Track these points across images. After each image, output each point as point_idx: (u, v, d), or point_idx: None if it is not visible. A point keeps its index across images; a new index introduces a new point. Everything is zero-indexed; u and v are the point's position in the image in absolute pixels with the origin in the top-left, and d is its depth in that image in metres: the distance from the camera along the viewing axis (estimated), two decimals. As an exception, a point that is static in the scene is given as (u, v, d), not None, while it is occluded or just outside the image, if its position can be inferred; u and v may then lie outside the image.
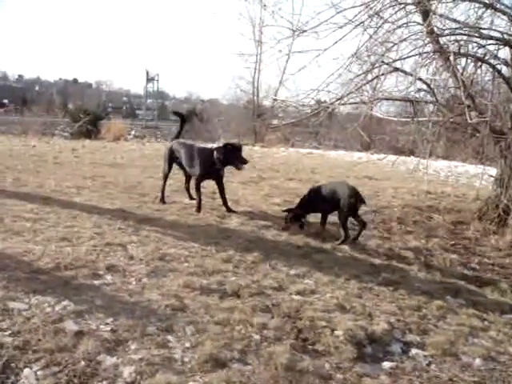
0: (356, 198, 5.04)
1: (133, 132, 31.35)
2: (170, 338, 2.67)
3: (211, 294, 3.28)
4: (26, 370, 2.20)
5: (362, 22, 5.42)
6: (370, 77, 5.93)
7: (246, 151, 14.34)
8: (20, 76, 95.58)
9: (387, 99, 6.66)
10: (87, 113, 33.72)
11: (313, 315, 3.12)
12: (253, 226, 5.11)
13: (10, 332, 2.50)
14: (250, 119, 31.24)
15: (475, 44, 5.86)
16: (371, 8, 5.43)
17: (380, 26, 5.52)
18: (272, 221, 5.37)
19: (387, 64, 5.80)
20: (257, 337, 2.79)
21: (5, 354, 2.30)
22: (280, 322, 3.01)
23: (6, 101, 61.56)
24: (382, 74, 5.90)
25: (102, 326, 2.69)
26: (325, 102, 6.88)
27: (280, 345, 2.73)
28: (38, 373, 2.20)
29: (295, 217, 5.13)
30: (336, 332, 2.96)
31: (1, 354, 2.29)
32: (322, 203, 5.14)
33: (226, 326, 2.87)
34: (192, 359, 2.49)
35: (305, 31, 5.95)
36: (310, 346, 2.80)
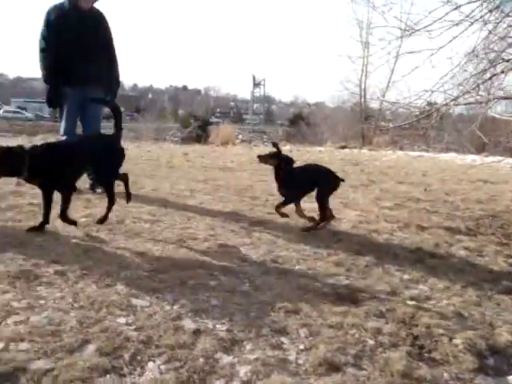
0: (335, 176, 4.94)
1: (240, 136, 31.98)
2: (284, 339, 2.69)
3: (324, 298, 3.27)
4: (150, 364, 2.31)
5: (482, 17, 5.20)
6: (487, 75, 5.68)
7: (354, 154, 14.19)
8: (134, 85, 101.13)
9: (506, 98, 6.34)
10: (196, 118, 34.87)
11: (429, 322, 3.02)
12: (364, 229, 5.04)
13: (134, 327, 2.64)
14: (357, 122, 30.95)
15: None
16: (490, 2, 5.20)
17: (500, 21, 5.27)
18: (383, 224, 5.27)
19: (507, 61, 5.52)
20: (371, 342, 2.75)
21: (131, 347, 2.42)
22: (395, 327, 2.94)
23: (122, 109, 65.22)
24: (502, 72, 5.62)
25: (218, 326, 2.76)
26: (435, 103, 6.67)
27: (395, 351, 2.66)
28: (161, 367, 2.29)
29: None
30: (454, 341, 2.84)
31: (127, 346, 2.42)
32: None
33: (339, 329, 2.85)
34: (306, 362, 2.50)
35: (417, 30, 5.80)
36: (426, 354, 2.71)
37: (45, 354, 2.29)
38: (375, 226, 5.20)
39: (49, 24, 5.85)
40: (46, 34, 5.86)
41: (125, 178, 4.73)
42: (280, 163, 4.90)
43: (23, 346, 2.36)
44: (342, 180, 4.97)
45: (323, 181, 4.91)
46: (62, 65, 5.86)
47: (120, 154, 4.59)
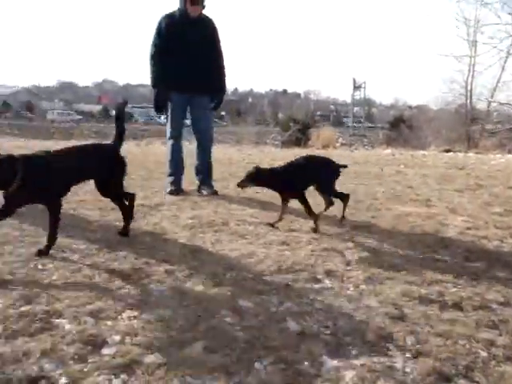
0: (336, 164, 4.86)
1: (340, 139, 31.76)
2: (390, 346, 2.63)
3: (431, 305, 3.16)
4: (257, 364, 2.34)
5: None
6: None
7: (459, 158, 13.66)
8: (235, 89, 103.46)
9: None
10: (296, 121, 35.01)
11: (548, 336, 2.84)
12: (472, 235, 4.83)
13: (240, 327, 2.69)
14: (462, 124, 29.79)
15: None
16: None
17: None
18: (493, 231, 5.02)
19: None
20: (483, 354, 2.61)
21: (236, 347, 2.48)
22: (509, 339, 2.78)
23: (223, 113, 66.79)
24: None
25: (322, 329, 2.75)
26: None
27: (511, 365, 2.53)
28: (267, 367, 2.32)
29: None
30: None
31: (233, 346, 2.48)
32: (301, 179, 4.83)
33: (447, 338, 2.74)
34: (414, 370, 2.42)
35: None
36: (547, 372, 2.55)
37: (157, 349, 2.40)
38: (484, 232, 4.97)
39: (160, 32, 6.18)
40: (157, 42, 6.19)
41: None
42: (260, 178, 4.78)
43: (137, 340, 2.48)
44: (345, 166, 4.90)
45: (324, 171, 4.88)
46: (170, 71, 6.14)
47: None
